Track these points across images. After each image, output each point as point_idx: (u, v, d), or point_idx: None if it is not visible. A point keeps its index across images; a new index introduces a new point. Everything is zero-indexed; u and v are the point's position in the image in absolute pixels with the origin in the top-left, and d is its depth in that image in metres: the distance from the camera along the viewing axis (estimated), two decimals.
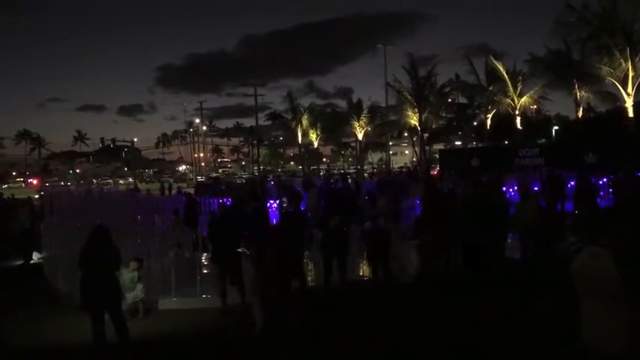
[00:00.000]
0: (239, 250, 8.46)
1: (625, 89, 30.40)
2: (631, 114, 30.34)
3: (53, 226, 12.47)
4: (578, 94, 36.06)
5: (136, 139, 78.41)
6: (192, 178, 71.75)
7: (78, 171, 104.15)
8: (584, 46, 32.58)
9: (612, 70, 30.61)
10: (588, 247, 3.86)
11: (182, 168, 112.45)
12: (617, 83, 30.86)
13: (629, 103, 30.45)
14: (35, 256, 14.76)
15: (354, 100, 56.83)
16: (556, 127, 56.08)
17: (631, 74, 29.95)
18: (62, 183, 67.71)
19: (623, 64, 30.02)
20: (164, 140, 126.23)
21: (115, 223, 8.88)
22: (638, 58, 29.81)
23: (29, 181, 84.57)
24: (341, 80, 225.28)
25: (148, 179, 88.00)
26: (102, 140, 66.64)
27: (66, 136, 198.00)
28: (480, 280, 9.24)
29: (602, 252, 3.68)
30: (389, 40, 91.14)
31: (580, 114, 38.36)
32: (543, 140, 50.68)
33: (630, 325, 3.57)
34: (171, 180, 68.00)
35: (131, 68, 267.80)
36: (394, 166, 67.68)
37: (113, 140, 66.68)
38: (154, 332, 7.99)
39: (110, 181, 76.74)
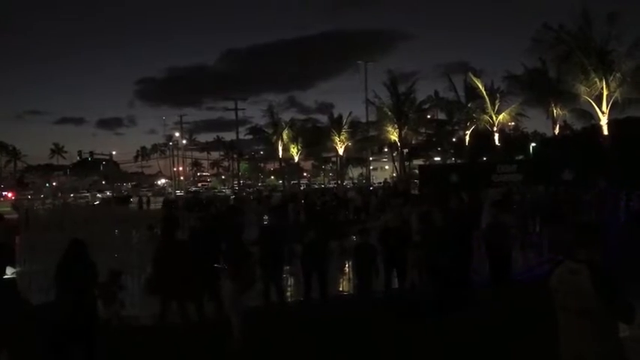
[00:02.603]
0: (217, 265, 8.39)
1: (600, 107, 31.01)
2: (606, 132, 30.93)
3: (28, 241, 12.25)
4: (555, 111, 36.69)
5: (114, 153, 77.85)
6: (171, 192, 71.11)
7: (55, 184, 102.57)
8: (561, 64, 33.26)
9: (587, 89, 31.22)
10: (565, 262, 3.90)
11: (161, 182, 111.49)
12: (592, 101, 31.48)
13: (603, 121, 31.05)
14: (9, 271, 14.43)
15: (335, 115, 57.11)
16: (533, 144, 56.94)
17: (605, 93, 30.58)
18: (32, 196, 66.55)
19: (598, 83, 30.66)
20: (143, 154, 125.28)
21: (90, 237, 8.74)
22: (612, 77, 30.47)
23: (4, 194, 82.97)
24: (322, 95, 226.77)
25: (125, 193, 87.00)
26: (79, 153, 65.92)
27: (43, 149, 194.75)
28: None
29: (579, 267, 3.72)
30: (370, 56, 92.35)
31: (557, 131, 39.01)
32: (521, 157, 51.35)
33: (607, 339, 3.61)
34: (150, 194, 67.33)
35: (111, 81, 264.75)
36: (374, 181, 67.98)
37: (91, 153, 65.96)
38: (129, 348, 7.83)
39: (88, 194, 75.67)
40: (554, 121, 37.91)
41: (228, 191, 71.27)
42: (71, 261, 6.82)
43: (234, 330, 7.32)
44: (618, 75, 30.45)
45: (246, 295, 7.82)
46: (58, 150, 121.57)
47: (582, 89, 31.45)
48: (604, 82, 30.37)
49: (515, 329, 7.47)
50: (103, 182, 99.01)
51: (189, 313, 8.29)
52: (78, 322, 6.61)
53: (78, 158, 70.83)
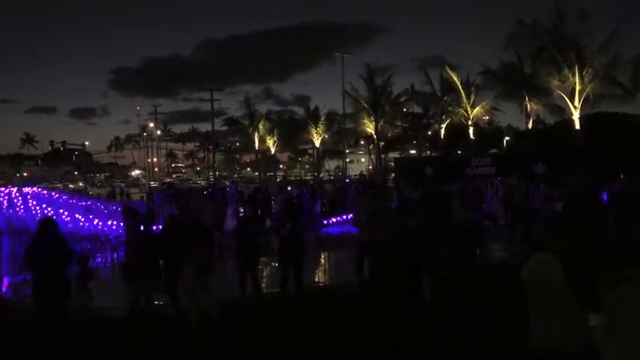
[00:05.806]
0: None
1: (572, 102, 31.55)
2: (577, 126, 31.50)
3: None
4: (529, 106, 37.21)
5: (87, 143, 76.29)
6: (145, 184, 70.32)
7: (25, 174, 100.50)
8: (535, 60, 33.72)
9: (561, 84, 31.72)
10: (538, 253, 3.94)
11: (135, 173, 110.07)
12: (565, 96, 32.00)
13: (575, 115, 31.61)
14: None
15: (312, 107, 56.96)
16: (507, 138, 57.70)
17: (578, 88, 31.13)
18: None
19: (571, 78, 31.17)
20: (116, 144, 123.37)
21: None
22: (584, 72, 31.00)
23: None
24: (299, 87, 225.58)
25: (99, 184, 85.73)
26: (51, 143, 64.44)
27: (14, 138, 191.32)
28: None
29: (550, 257, 3.77)
30: (347, 49, 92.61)
31: (530, 125, 39.59)
32: (495, 150, 52.01)
33: (577, 328, 3.67)
34: (123, 185, 66.46)
35: (84, 70, 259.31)
36: (350, 173, 68.19)
37: (63, 143, 64.36)
38: (100, 337, 7.73)
39: (60, 185, 74.34)
40: (527, 116, 38.46)
41: (203, 182, 70.75)
42: (44, 241, 6.64)
43: (192, 317, 7.32)
44: (590, 70, 31.00)
45: (208, 283, 7.79)
46: (29, 139, 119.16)
47: (555, 84, 31.95)
48: (577, 77, 30.89)
49: (483, 319, 7.55)
50: (76, 173, 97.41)
51: (153, 306, 8.21)
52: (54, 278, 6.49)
53: (50, 148, 69.23)
